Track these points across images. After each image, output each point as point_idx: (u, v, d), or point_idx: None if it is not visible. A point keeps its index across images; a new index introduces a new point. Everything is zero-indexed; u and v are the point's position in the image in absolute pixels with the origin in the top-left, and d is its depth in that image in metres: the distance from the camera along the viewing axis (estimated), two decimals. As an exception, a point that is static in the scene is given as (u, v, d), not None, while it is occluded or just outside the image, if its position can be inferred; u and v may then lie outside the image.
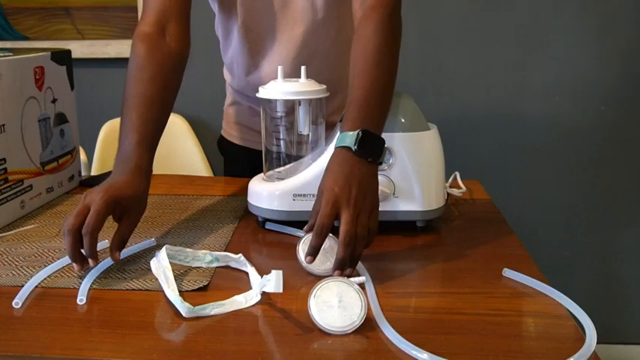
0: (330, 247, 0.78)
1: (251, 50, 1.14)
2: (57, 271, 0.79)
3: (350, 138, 0.81)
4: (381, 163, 0.84)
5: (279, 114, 0.95)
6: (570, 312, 0.70)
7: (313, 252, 0.75)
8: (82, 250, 0.77)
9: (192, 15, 1.03)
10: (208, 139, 1.99)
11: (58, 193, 1.13)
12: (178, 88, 0.97)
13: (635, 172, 2.02)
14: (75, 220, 0.76)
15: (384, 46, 0.91)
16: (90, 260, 0.76)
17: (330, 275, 0.74)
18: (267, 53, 1.14)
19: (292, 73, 1.04)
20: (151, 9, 0.98)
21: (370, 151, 0.81)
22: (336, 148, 0.82)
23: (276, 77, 0.94)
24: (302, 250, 0.79)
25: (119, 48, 2.05)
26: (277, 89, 0.92)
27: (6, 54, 1.01)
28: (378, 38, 0.91)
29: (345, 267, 0.75)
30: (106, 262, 0.80)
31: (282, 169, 0.97)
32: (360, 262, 0.81)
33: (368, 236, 0.77)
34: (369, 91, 0.86)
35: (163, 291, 0.72)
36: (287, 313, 0.69)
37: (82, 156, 1.76)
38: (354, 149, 0.80)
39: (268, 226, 0.96)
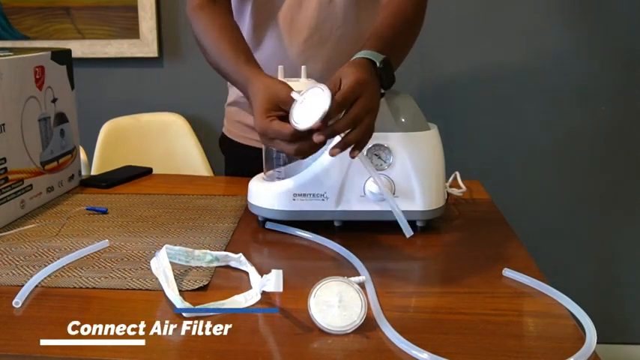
0: (315, 96, 0.76)
1: (260, 25, 1.16)
2: (57, 271, 0.79)
3: (376, 57, 0.87)
4: (383, 94, 0.90)
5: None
6: (570, 312, 0.70)
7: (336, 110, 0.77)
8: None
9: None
10: (208, 138, 1.99)
11: (58, 192, 1.13)
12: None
13: (635, 173, 2.02)
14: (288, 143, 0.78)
15: (412, 19, 1.03)
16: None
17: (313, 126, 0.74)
18: (277, 29, 1.15)
19: (299, 58, 1.06)
20: None
21: (386, 76, 0.88)
22: (361, 57, 0.86)
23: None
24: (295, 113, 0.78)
25: (119, 48, 2.05)
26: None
27: (6, 54, 1.01)
28: (408, 13, 1.02)
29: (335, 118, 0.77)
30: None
31: (282, 168, 0.96)
32: (360, 262, 0.81)
33: (367, 137, 0.80)
34: (394, 39, 0.96)
35: (163, 291, 0.72)
36: (287, 313, 0.69)
37: (82, 156, 1.76)
38: (378, 65, 0.86)
39: (268, 225, 0.96)
